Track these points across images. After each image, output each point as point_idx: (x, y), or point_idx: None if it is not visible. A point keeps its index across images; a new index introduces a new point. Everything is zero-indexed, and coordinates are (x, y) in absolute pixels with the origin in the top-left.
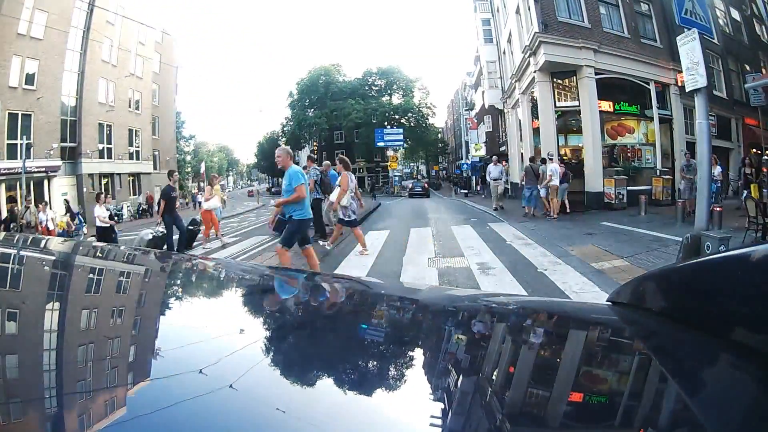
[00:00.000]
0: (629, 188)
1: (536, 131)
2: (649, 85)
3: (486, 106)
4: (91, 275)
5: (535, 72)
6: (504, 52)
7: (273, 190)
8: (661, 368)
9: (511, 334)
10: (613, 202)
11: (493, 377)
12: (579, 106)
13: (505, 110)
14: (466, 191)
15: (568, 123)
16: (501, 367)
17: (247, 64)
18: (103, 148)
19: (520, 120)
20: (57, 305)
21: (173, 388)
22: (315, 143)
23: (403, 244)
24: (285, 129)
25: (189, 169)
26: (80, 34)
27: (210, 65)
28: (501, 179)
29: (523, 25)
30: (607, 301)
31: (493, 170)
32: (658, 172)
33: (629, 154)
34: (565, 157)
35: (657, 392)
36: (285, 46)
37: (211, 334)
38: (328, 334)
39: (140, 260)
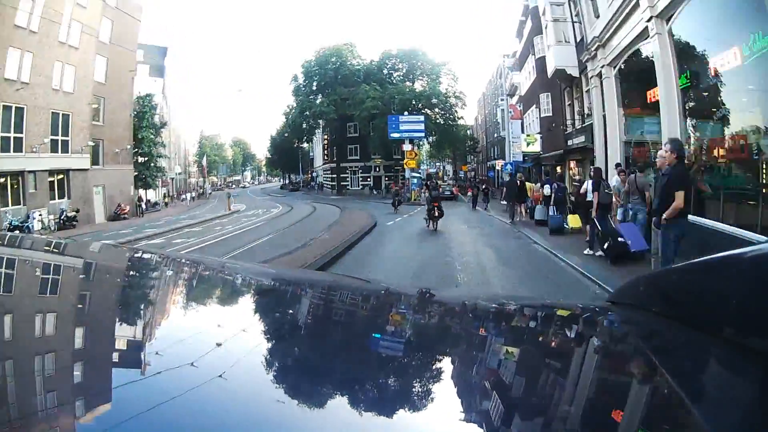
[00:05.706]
0: None
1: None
2: None
3: (549, 75)
4: (79, 275)
5: None
6: None
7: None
8: (661, 368)
9: (511, 334)
10: None
11: (493, 376)
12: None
13: (588, 75)
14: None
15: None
16: (501, 367)
17: (255, 48)
18: (8, 137)
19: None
20: (43, 304)
21: (164, 382)
22: (326, 137)
23: None
24: (288, 119)
25: (163, 164)
26: None
27: (217, 53)
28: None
29: None
30: (608, 301)
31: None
32: None
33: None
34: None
35: (657, 392)
36: (295, 27)
37: (205, 331)
38: (321, 332)
39: (132, 258)
